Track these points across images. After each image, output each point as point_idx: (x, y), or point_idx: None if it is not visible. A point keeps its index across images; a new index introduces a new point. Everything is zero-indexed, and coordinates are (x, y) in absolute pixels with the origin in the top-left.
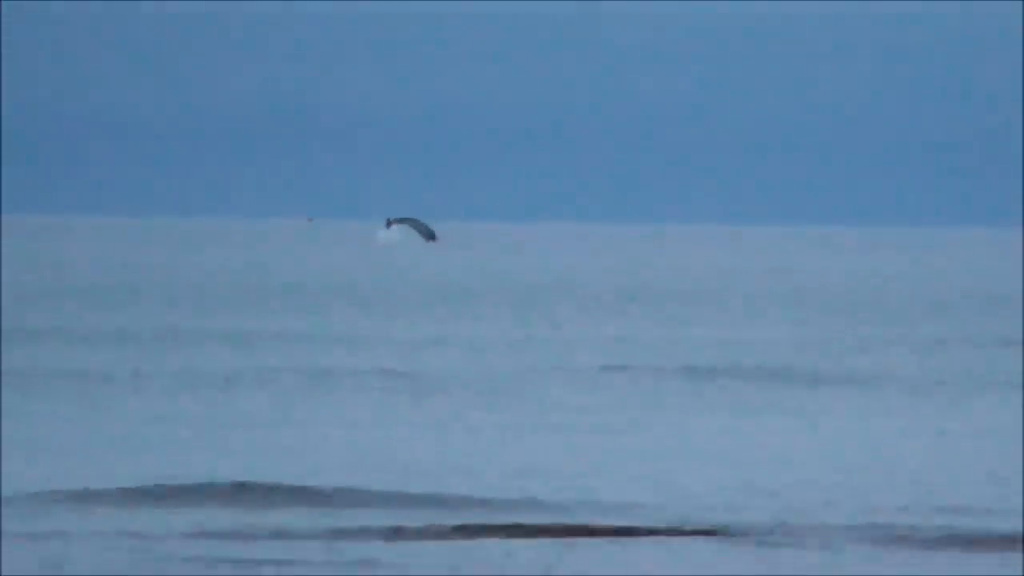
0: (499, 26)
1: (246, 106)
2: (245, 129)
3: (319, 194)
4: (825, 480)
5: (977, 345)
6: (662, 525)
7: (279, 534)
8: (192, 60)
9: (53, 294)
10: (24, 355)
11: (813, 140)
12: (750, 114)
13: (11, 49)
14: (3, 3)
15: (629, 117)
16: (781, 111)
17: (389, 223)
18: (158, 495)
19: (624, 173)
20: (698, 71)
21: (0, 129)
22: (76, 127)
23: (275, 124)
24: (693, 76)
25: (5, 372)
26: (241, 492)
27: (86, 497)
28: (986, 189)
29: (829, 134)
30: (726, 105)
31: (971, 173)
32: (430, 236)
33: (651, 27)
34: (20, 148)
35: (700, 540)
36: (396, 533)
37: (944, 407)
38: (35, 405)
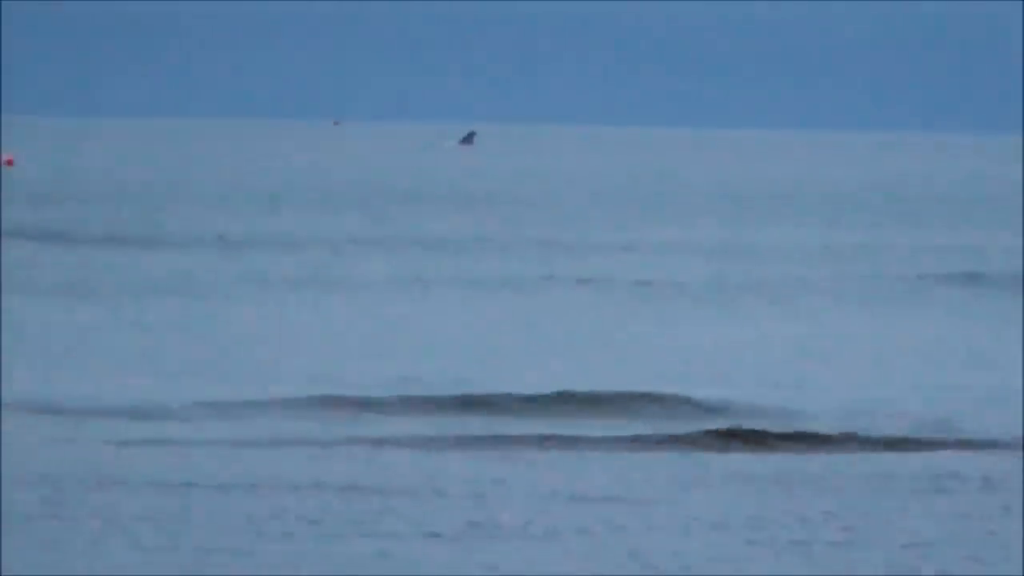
0: None
1: (270, 4)
2: (268, 29)
3: (344, 95)
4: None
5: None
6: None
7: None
8: None
9: (74, 195)
10: (41, 255)
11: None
12: (747, 20)
13: None
14: None
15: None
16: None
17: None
18: (258, 407)
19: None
20: None
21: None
22: (99, 28)
23: (298, 25)
24: None
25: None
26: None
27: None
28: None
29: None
30: (727, 13)
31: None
32: (465, 139)
33: None
34: (28, 50)
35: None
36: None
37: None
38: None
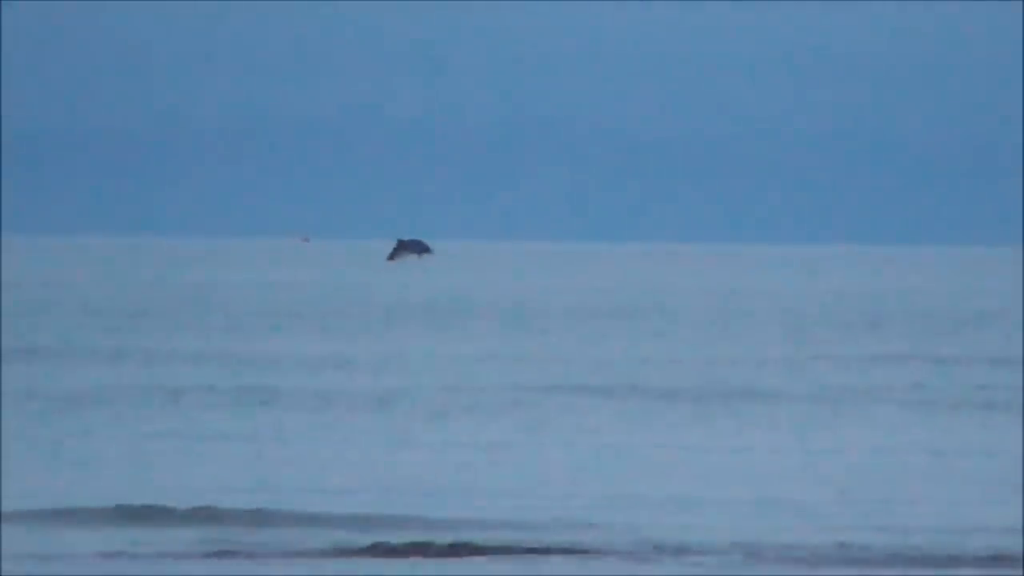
0: (488, 47)
1: (237, 126)
2: (236, 148)
3: (315, 213)
4: (793, 499)
5: (966, 364)
6: (623, 545)
7: (256, 554)
8: (180, 77)
9: (47, 314)
10: (18, 375)
11: (797, 158)
12: (733, 133)
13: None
14: None
15: (614, 136)
16: (766, 129)
17: (396, 250)
18: (118, 516)
19: (609, 192)
20: (681, 86)
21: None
22: (62, 147)
23: (266, 143)
24: (677, 91)
25: (5, 392)
26: (221, 514)
27: (45, 517)
28: (977, 207)
29: (815, 151)
30: (709, 123)
31: (960, 192)
32: (424, 250)
33: (640, 46)
34: (9, 169)
35: (660, 559)
36: (371, 551)
37: (929, 426)
38: (31, 425)
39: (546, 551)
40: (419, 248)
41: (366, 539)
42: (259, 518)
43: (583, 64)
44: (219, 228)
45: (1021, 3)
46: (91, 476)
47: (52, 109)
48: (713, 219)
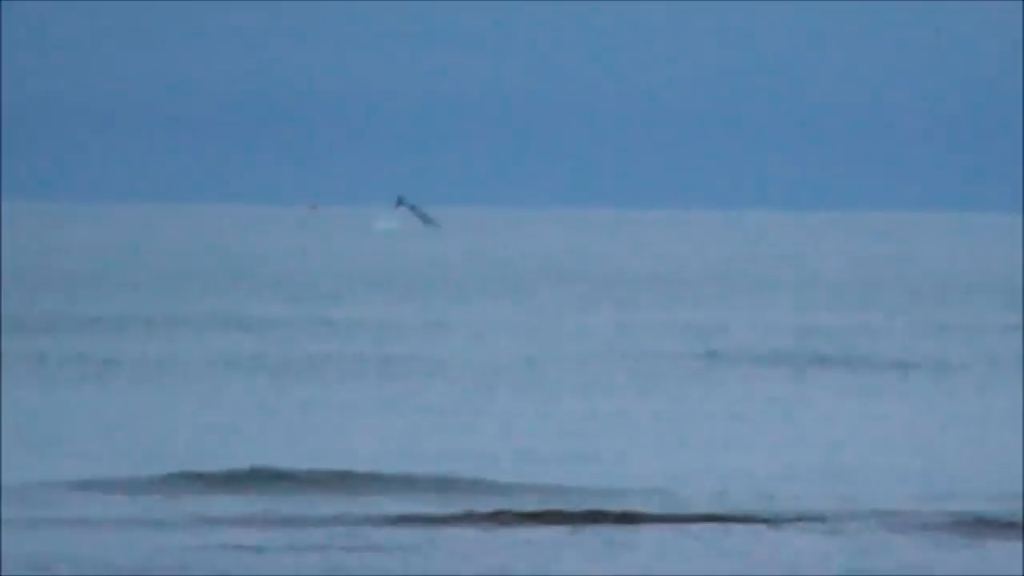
0: (500, 10)
1: (247, 92)
2: (246, 115)
3: (321, 180)
4: (831, 465)
5: (980, 330)
6: (668, 511)
7: (287, 521)
8: (191, 45)
9: (55, 281)
10: (27, 342)
11: (814, 125)
12: (751, 99)
13: (9, 37)
14: None
15: (629, 102)
16: (783, 97)
17: (400, 203)
18: (167, 482)
19: (625, 158)
20: (700, 55)
21: (0, 116)
22: (74, 114)
23: (275, 110)
24: (695, 60)
25: (7, 358)
26: (249, 478)
27: (93, 485)
28: (988, 174)
29: (831, 120)
30: (727, 90)
31: (973, 158)
32: (428, 222)
33: (655, 10)
34: (19, 136)
35: (706, 526)
36: (403, 519)
37: (948, 391)
38: (39, 393)
39: (685, 520)
40: (423, 217)
41: (491, 505)
42: (322, 480)
43: (603, 28)
44: (227, 196)
45: None
46: (139, 445)
47: (61, 75)
48: (713, 187)
